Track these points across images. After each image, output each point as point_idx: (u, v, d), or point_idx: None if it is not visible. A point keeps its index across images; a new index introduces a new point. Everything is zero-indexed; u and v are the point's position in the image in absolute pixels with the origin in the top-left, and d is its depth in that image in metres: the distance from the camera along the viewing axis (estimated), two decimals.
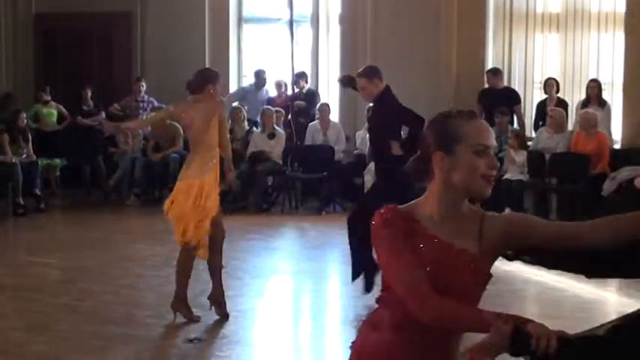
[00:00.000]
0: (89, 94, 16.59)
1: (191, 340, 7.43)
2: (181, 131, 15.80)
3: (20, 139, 14.68)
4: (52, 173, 15.75)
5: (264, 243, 12.31)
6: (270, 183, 15.52)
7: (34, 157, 14.80)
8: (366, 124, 15.34)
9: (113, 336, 7.76)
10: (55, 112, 16.47)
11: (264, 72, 16.71)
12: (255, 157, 14.99)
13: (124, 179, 15.68)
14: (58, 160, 15.78)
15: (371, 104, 9.53)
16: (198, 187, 8.10)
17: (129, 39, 17.56)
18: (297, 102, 16.00)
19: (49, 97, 16.42)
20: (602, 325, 3.06)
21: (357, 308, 8.62)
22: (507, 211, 13.39)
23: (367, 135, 10.92)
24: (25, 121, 14.96)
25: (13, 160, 14.33)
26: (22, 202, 14.29)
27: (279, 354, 7.36)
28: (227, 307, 8.38)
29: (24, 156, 14.65)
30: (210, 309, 8.15)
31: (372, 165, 14.50)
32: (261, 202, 15.00)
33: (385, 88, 8.80)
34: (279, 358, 7.24)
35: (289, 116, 15.98)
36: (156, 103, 16.41)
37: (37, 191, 14.62)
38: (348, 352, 3.36)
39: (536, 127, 14.85)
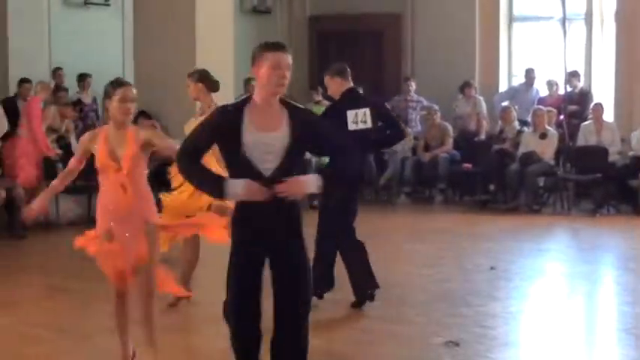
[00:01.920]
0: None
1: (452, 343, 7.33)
2: (450, 131, 15.84)
3: None
4: None
5: (535, 244, 12.09)
6: (541, 184, 15.25)
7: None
8: None
9: (382, 332, 7.83)
10: None
11: (533, 70, 16.48)
12: (526, 158, 14.76)
13: (394, 178, 15.85)
14: (325, 158, 16.14)
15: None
16: None
17: (399, 39, 17.77)
18: (571, 107, 15.67)
19: (320, 97, 16.79)
20: None
21: (632, 315, 8.31)
22: None
23: None
24: None
25: None
26: None
27: (550, 357, 7.19)
28: (495, 308, 8.35)
29: None
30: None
31: None
32: (532, 203, 14.76)
33: (348, 89, 8.50)
34: None
35: (561, 116, 15.67)
36: (425, 103, 16.53)
37: None
38: None
39: None
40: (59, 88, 14.63)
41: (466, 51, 16.96)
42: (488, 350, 7.22)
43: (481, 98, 16.44)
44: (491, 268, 10.15)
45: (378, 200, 15.88)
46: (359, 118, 8.28)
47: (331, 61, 18.00)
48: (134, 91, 6.08)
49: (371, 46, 17.97)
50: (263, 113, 5.09)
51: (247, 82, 16.47)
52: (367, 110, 8.31)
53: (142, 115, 13.87)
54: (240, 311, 5.11)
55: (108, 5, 16.02)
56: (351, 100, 8.45)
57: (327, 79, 8.70)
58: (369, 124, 8.29)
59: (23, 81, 14.05)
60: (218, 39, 13.69)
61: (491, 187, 15.19)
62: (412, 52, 17.65)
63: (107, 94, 6.09)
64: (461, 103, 16.44)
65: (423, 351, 7.16)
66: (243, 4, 17.56)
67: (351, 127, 8.22)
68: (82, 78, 15.28)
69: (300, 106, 5.39)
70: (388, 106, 16.66)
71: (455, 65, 16.74)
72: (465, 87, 16.36)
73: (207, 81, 8.42)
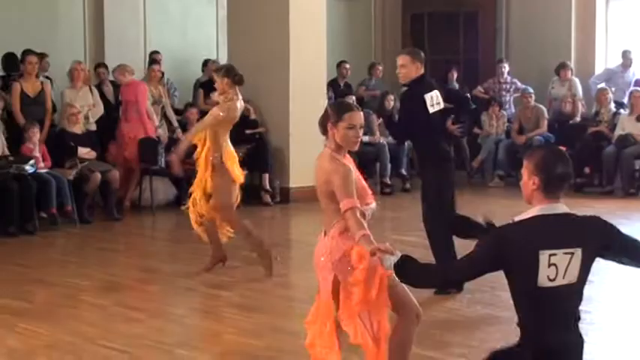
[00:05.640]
0: (455, 75, 16.78)
1: None
2: (545, 113, 15.67)
3: None
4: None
5: (631, 228, 11.83)
6: (637, 167, 15.01)
7: None
8: None
9: (477, 315, 7.81)
10: None
11: (630, 52, 16.18)
12: (623, 140, 14.54)
13: (487, 161, 15.75)
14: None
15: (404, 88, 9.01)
16: None
17: (493, 21, 17.60)
18: None
19: None
20: None
21: None
22: None
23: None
24: (392, 103, 15.33)
25: (381, 141, 14.79)
26: (389, 182, 14.82)
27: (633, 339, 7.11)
28: (590, 292, 8.19)
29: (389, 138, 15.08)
30: None
31: None
32: (628, 187, 14.53)
33: (423, 74, 8.56)
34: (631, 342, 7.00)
35: None
36: (519, 85, 16.35)
37: (403, 171, 15.07)
38: None
39: None
40: (152, 63, 14.56)
41: (562, 32, 16.72)
42: (584, 334, 7.13)
43: (577, 80, 16.21)
44: None
45: (471, 183, 15.78)
46: (434, 101, 8.45)
47: (426, 44, 18.18)
48: (362, 114, 5.24)
49: (465, 29, 17.83)
50: None
51: (339, 65, 16.56)
52: (437, 92, 8.54)
53: None
54: None
55: None
56: (426, 84, 8.58)
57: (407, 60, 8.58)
58: (442, 105, 8.54)
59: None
60: (311, 25, 13.71)
61: (587, 170, 14.99)
62: (507, 34, 17.47)
63: (328, 119, 5.19)
64: (556, 85, 16.24)
65: (518, 335, 7.10)
66: None
67: (430, 110, 8.42)
68: None
69: None
70: (482, 88, 16.67)
71: (550, 46, 16.53)
72: (560, 69, 16.14)
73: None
